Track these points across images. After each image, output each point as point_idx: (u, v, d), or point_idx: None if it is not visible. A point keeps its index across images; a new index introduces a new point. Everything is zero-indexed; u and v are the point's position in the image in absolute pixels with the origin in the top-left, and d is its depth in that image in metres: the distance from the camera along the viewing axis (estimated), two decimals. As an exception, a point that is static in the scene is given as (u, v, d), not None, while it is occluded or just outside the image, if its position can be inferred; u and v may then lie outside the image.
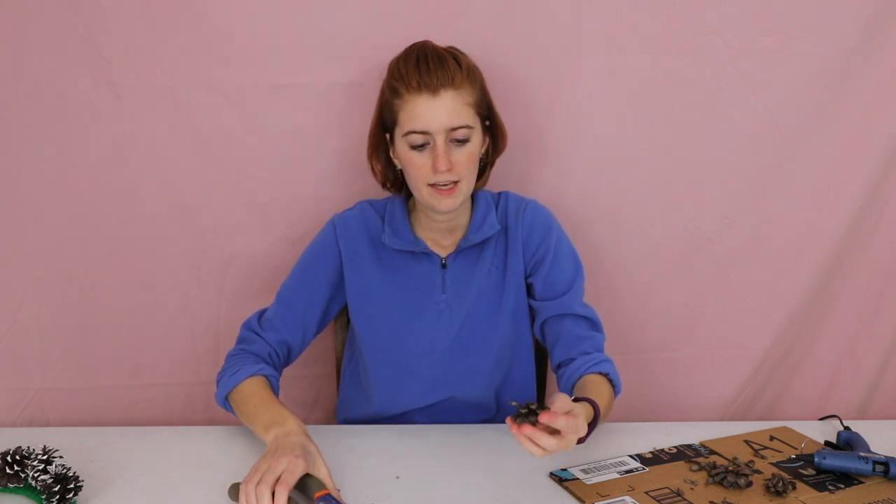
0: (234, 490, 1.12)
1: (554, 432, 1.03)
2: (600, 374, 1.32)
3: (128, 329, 1.58)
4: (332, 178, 1.55)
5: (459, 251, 1.40)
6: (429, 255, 1.40)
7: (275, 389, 1.37)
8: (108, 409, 1.60)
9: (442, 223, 1.40)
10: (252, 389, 1.32)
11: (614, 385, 1.33)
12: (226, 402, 1.35)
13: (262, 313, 1.44)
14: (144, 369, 1.60)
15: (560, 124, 1.56)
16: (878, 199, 1.60)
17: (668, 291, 1.64)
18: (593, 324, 1.40)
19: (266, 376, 1.35)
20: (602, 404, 1.22)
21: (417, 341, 1.40)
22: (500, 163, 1.56)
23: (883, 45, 1.52)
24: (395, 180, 1.43)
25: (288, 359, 1.45)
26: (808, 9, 1.51)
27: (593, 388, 1.27)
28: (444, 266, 1.41)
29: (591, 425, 1.15)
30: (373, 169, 1.43)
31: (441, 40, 1.36)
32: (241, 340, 1.43)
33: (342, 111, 1.52)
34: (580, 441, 1.10)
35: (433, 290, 1.41)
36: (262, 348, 1.40)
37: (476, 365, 1.42)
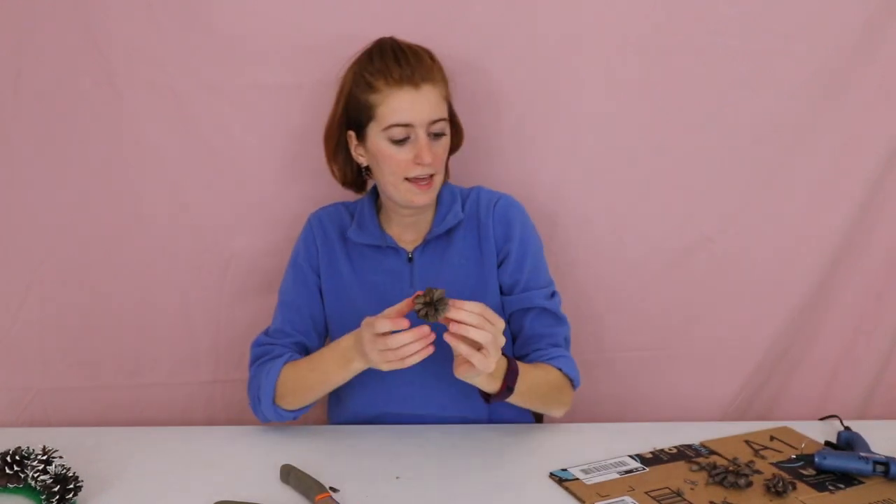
0: (286, 471, 1.17)
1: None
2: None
3: (128, 328, 1.58)
4: (333, 177, 1.55)
5: (426, 244, 1.39)
6: (395, 249, 1.39)
7: None
8: (109, 409, 1.60)
9: (408, 217, 1.39)
10: (295, 366, 1.32)
11: (570, 378, 1.34)
12: (276, 409, 1.31)
13: (266, 330, 1.42)
14: (145, 369, 1.61)
15: (559, 124, 1.56)
16: (877, 198, 1.60)
17: (667, 290, 1.63)
18: (556, 318, 1.38)
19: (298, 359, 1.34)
20: (530, 372, 1.26)
21: None
22: (501, 161, 1.56)
23: (883, 45, 1.52)
24: (357, 179, 1.44)
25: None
26: (808, 9, 1.51)
27: (529, 364, 1.29)
28: (410, 260, 1.39)
29: (510, 381, 1.20)
30: (332, 169, 1.42)
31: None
32: (256, 357, 1.39)
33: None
34: (495, 397, 1.20)
35: (402, 283, 1.38)
36: (281, 351, 1.36)
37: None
